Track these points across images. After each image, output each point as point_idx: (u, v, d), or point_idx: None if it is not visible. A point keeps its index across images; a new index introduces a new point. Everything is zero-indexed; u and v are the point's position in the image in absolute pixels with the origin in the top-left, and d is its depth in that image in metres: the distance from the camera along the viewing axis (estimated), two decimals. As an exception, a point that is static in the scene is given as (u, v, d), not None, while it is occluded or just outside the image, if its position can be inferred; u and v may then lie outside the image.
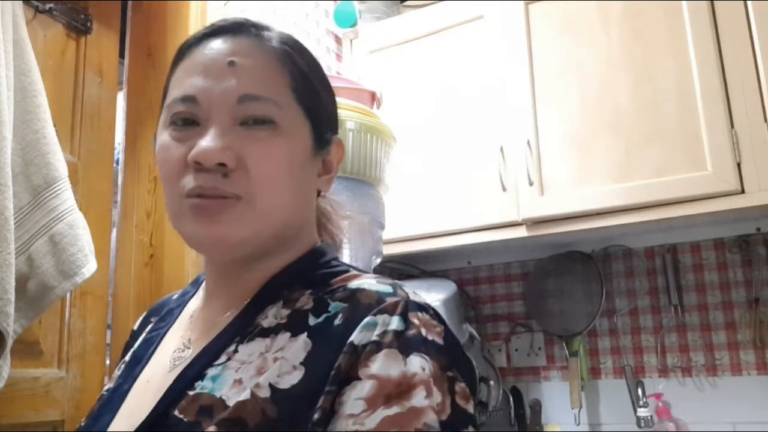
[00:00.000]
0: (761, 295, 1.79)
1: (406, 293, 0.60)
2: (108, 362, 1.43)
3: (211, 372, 0.59)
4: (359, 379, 0.53)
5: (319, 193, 0.74)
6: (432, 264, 2.19)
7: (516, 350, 2.08)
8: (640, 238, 1.94)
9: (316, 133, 0.67)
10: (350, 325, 0.56)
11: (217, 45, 0.65)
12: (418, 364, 0.54)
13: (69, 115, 1.34)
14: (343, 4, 2.10)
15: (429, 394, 0.52)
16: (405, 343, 0.55)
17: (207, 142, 0.60)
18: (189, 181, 0.61)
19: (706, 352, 1.83)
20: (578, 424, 1.89)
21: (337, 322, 0.58)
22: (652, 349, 1.90)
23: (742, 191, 1.50)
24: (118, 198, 1.52)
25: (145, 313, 0.83)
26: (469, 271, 2.20)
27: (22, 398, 1.16)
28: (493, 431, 1.91)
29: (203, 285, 0.72)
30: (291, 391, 0.55)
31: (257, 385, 0.55)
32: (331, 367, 0.54)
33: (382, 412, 0.51)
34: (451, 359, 0.56)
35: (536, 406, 1.95)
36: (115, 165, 1.48)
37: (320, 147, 0.68)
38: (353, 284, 0.61)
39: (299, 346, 0.57)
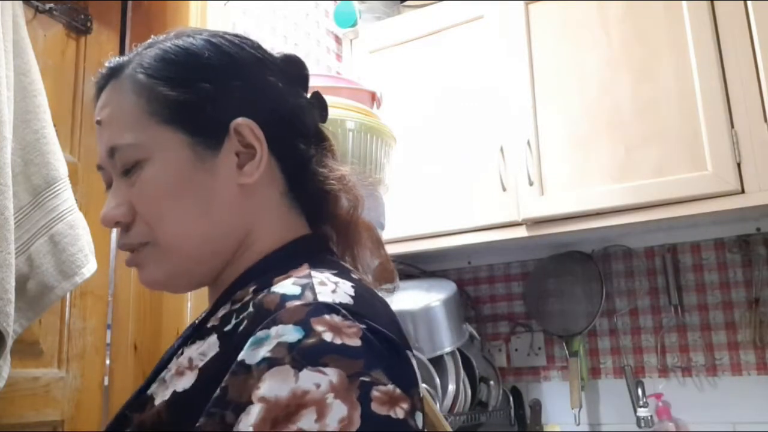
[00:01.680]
0: (761, 295, 1.79)
1: (315, 294, 0.54)
2: (108, 362, 1.43)
3: (163, 374, 0.61)
4: (252, 402, 0.48)
5: (296, 170, 0.69)
6: (432, 264, 2.19)
7: (516, 350, 2.08)
8: (640, 238, 1.94)
9: (197, 136, 0.64)
10: (246, 337, 0.52)
11: (96, 105, 0.69)
12: (311, 380, 0.47)
13: (69, 115, 1.34)
14: (343, 4, 2.10)
15: (321, 417, 0.46)
16: (299, 357, 0.49)
17: (104, 207, 0.66)
18: None
19: (706, 352, 1.83)
20: (578, 424, 1.89)
21: (240, 329, 0.55)
22: (652, 349, 1.90)
23: (742, 191, 1.50)
24: (118, 198, 1.52)
25: None
26: (469, 271, 2.20)
27: (22, 398, 1.16)
28: (492, 431, 1.91)
29: None
30: (182, 395, 0.55)
31: (166, 392, 0.57)
32: (218, 385, 0.50)
33: None
34: (372, 361, 0.50)
35: (536, 406, 1.95)
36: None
37: (213, 146, 0.64)
38: (276, 285, 0.57)
39: (209, 349, 0.57)
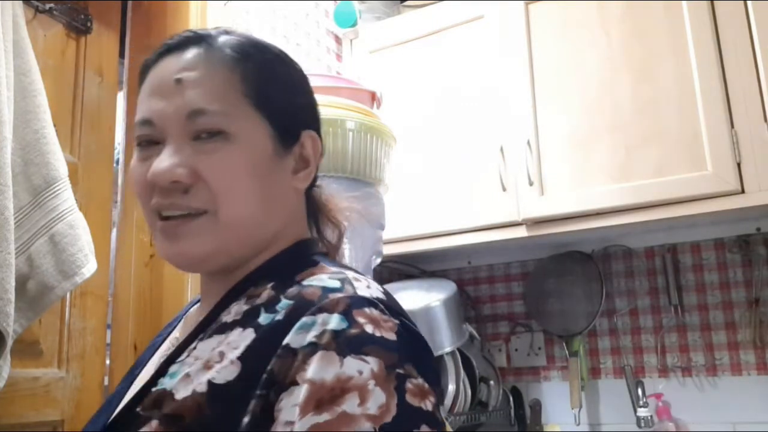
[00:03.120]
0: (761, 295, 1.79)
1: (354, 288, 0.58)
2: (108, 362, 1.43)
3: (172, 368, 0.60)
4: (297, 384, 0.51)
5: (311, 188, 0.73)
6: (432, 264, 2.19)
7: (516, 350, 2.08)
8: (640, 238, 1.94)
9: (278, 132, 0.66)
10: (289, 325, 0.55)
11: (166, 64, 0.66)
12: (354, 366, 0.51)
13: (69, 115, 1.34)
14: (343, 4, 2.10)
15: (363, 401, 0.49)
16: (343, 344, 0.52)
17: (159, 162, 0.62)
18: (154, 203, 0.63)
19: (706, 352, 1.83)
20: (578, 424, 1.89)
21: (278, 318, 0.57)
22: (652, 349, 1.90)
23: (742, 191, 1.50)
24: (118, 198, 1.52)
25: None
26: (469, 271, 2.20)
27: (22, 398, 1.16)
28: (493, 431, 1.91)
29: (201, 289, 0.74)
30: (225, 387, 0.55)
31: (200, 381, 0.56)
32: (265, 370, 0.53)
33: (312, 419, 0.49)
34: (405, 355, 0.54)
35: (536, 406, 1.95)
36: (115, 165, 1.48)
37: (287, 145, 0.67)
38: (308, 280, 0.60)
39: (241, 340, 0.57)
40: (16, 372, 1.09)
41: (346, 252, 1.33)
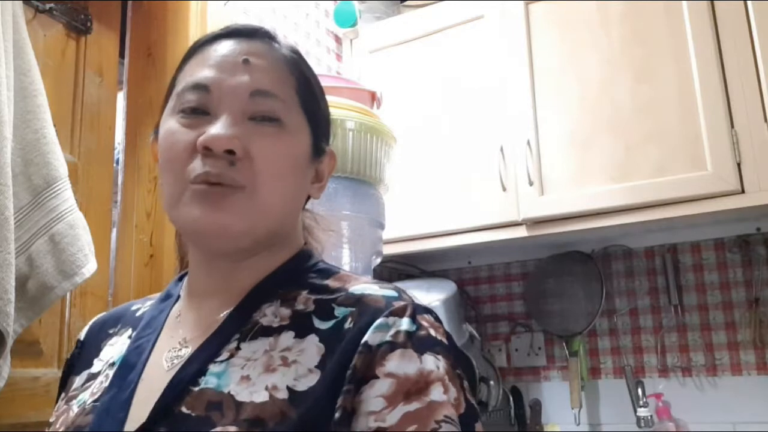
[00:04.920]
0: (761, 295, 1.79)
1: (410, 297, 0.62)
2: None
3: (213, 368, 0.60)
4: (377, 377, 0.55)
5: (308, 200, 0.76)
6: (432, 264, 2.19)
7: (516, 350, 2.08)
8: (640, 238, 1.94)
9: (314, 139, 0.70)
10: (362, 328, 0.58)
11: (231, 44, 0.67)
12: (432, 362, 0.56)
13: (69, 115, 1.34)
14: (343, 4, 2.10)
15: (446, 390, 0.55)
16: (418, 343, 0.57)
17: (217, 129, 0.62)
18: (196, 167, 0.62)
19: (706, 352, 1.83)
20: (578, 424, 1.89)
21: (347, 325, 0.60)
22: (652, 349, 1.90)
23: (742, 191, 1.50)
24: (118, 198, 1.52)
25: (92, 323, 0.80)
26: (469, 271, 2.20)
27: (22, 398, 1.16)
28: (493, 431, 1.91)
29: (185, 287, 0.72)
30: (309, 392, 0.56)
31: (274, 387, 0.57)
32: (347, 368, 0.56)
33: (403, 408, 0.53)
34: (458, 360, 0.59)
35: (536, 406, 1.95)
36: (115, 165, 1.47)
37: (317, 155, 0.71)
38: (355, 289, 0.63)
39: (312, 351, 0.59)
40: (16, 372, 1.09)
41: (346, 252, 1.33)
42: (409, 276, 2.13)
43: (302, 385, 0.57)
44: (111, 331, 0.76)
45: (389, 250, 1.83)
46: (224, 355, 0.61)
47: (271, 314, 0.64)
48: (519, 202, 1.74)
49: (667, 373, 1.87)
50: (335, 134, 1.29)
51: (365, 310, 0.60)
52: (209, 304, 0.67)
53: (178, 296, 0.73)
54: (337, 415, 0.55)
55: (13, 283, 0.99)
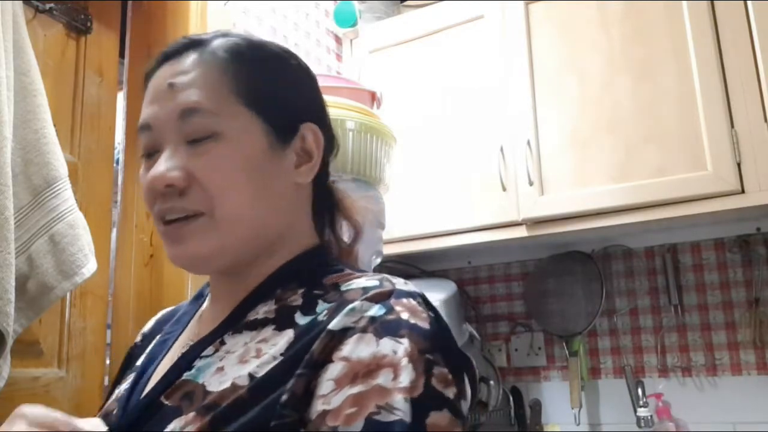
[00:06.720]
0: (761, 295, 1.79)
1: (393, 284, 0.60)
2: (108, 362, 1.43)
3: (198, 363, 0.62)
4: (332, 362, 0.54)
5: (322, 184, 0.74)
6: (432, 264, 2.19)
7: (516, 350, 2.08)
8: (640, 238, 1.94)
9: (274, 127, 0.67)
10: (332, 317, 0.58)
11: (161, 71, 0.67)
12: (389, 346, 0.54)
13: (69, 115, 1.34)
14: (343, 4, 2.10)
15: (396, 377, 0.53)
16: (380, 327, 0.56)
17: (155, 168, 0.64)
18: (155, 209, 0.65)
19: (706, 352, 1.83)
20: (578, 424, 1.89)
21: (320, 318, 0.59)
22: (652, 349, 1.90)
23: (742, 191, 1.50)
24: (118, 198, 1.52)
25: (152, 324, 0.85)
26: (469, 271, 2.20)
27: (22, 398, 1.16)
28: (493, 431, 1.91)
29: (210, 289, 0.76)
30: (266, 377, 0.57)
31: (239, 376, 0.58)
32: (307, 353, 0.56)
33: (347, 390, 0.52)
34: (436, 345, 0.56)
35: (536, 406, 1.95)
36: (115, 165, 1.48)
37: (284, 140, 0.68)
38: (345, 285, 0.62)
39: (282, 342, 0.59)
40: (16, 372, 1.09)
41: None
42: (409, 276, 2.13)
43: (262, 371, 0.57)
44: (165, 328, 0.80)
45: (389, 250, 1.83)
46: (210, 350, 0.63)
47: (262, 313, 0.64)
48: (519, 202, 1.74)
49: (667, 373, 1.87)
50: (335, 134, 1.29)
51: (342, 303, 0.59)
52: (218, 306, 0.70)
53: (206, 296, 0.77)
54: (284, 397, 0.54)
55: (13, 283, 0.99)
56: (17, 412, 0.57)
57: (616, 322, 1.95)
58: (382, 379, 0.52)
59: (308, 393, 0.54)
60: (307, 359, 0.55)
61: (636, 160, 1.63)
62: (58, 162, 1.12)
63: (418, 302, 0.59)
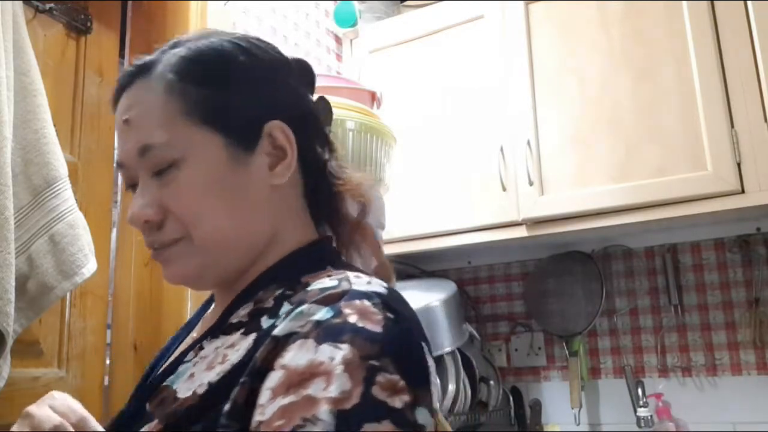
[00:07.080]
0: (761, 295, 1.79)
1: (351, 284, 0.58)
2: (108, 362, 1.42)
3: (181, 368, 0.63)
4: (273, 369, 0.52)
5: (316, 172, 0.72)
6: (432, 264, 2.19)
7: (516, 350, 2.08)
8: (640, 238, 1.94)
9: (234, 138, 0.65)
10: (283, 321, 0.56)
11: (120, 105, 0.68)
12: (327, 352, 0.51)
13: (69, 115, 1.34)
14: (343, 4, 2.10)
15: (328, 385, 0.49)
16: (323, 332, 0.52)
17: (132, 205, 0.66)
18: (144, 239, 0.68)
19: (706, 352, 1.83)
20: (578, 424, 1.89)
21: (278, 322, 0.57)
22: (652, 349, 1.90)
23: (742, 191, 1.50)
24: (118, 198, 1.52)
25: None
26: (469, 271, 2.20)
27: (22, 398, 1.16)
28: (492, 431, 1.91)
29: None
30: (216, 384, 0.56)
31: (200, 384, 0.58)
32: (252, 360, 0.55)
33: (280, 401, 0.50)
34: (387, 349, 0.52)
35: (536, 406, 1.95)
36: (114, 165, 1.48)
37: (248, 147, 0.66)
38: (312, 286, 0.60)
39: (243, 347, 0.58)
40: (16, 372, 1.09)
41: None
42: (409, 276, 2.13)
43: (217, 378, 0.57)
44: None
45: (389, 250, 1.83)
46: (191, 355, 0.64)
47: (240, 315, 0.64)
48: (519, 202, 1.74)
49: (667, 373, 1.87)
50: (335, 134, 1.29)
51: (299, 305, 0.57)
52: (217, 310, 0.72)
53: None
54: (227, 406, 0.53)
55: (13, 283, 0.99)
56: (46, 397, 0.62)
57: (616, 322, 1.95)
58: (313, 389, 0.49)
59: (251, 402, 0.52)
60: (250, 366, 0.54)
61: (636, 160, 1.63)
62: (58, 162, 1.12)
63: (374, 303, 0.55)
